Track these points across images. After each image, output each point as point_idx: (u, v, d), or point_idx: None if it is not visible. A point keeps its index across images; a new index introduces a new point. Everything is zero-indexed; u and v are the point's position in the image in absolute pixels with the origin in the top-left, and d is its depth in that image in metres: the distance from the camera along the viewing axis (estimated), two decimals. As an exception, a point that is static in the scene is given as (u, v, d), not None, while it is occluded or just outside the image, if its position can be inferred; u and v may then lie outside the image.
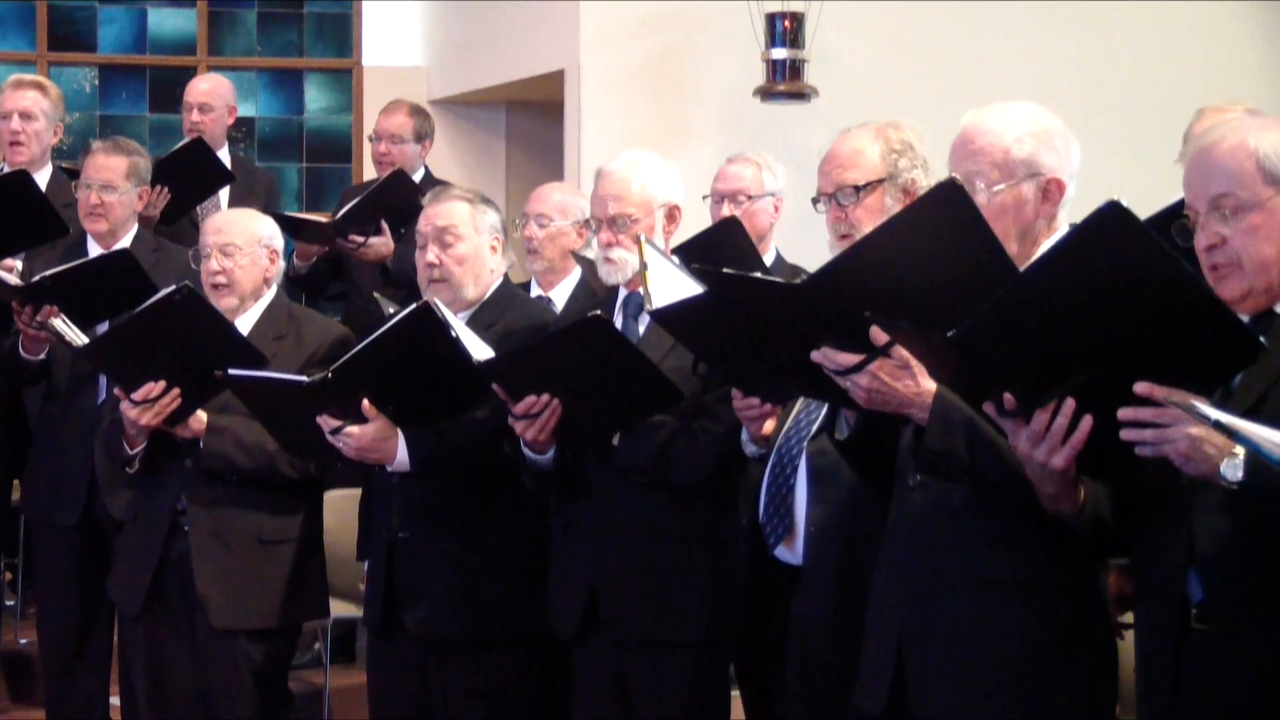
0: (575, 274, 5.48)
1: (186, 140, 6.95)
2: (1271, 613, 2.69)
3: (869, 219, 3.69)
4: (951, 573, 3.19)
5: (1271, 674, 2.69)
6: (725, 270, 3.26)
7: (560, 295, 5.52)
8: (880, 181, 3.75)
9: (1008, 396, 2.74)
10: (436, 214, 4.59)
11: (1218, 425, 2.47)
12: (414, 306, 4.21)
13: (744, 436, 4.02)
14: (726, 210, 5.52)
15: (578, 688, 4.41)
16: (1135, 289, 2.56)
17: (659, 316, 3.76)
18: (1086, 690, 3.19)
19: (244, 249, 4.92)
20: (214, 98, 7.45)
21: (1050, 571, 3.16)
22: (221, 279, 4.88)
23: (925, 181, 3.75)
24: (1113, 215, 2.53)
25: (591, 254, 5.03)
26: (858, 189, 3.74)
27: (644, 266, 3.99)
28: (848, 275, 2.98)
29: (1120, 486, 2.94)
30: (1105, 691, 3.24)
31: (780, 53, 8.24)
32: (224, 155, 7.27)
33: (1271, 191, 2.78)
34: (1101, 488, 2.95)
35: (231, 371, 4.38)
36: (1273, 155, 2.78)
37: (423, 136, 7.21)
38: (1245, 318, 2.82)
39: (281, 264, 5.08)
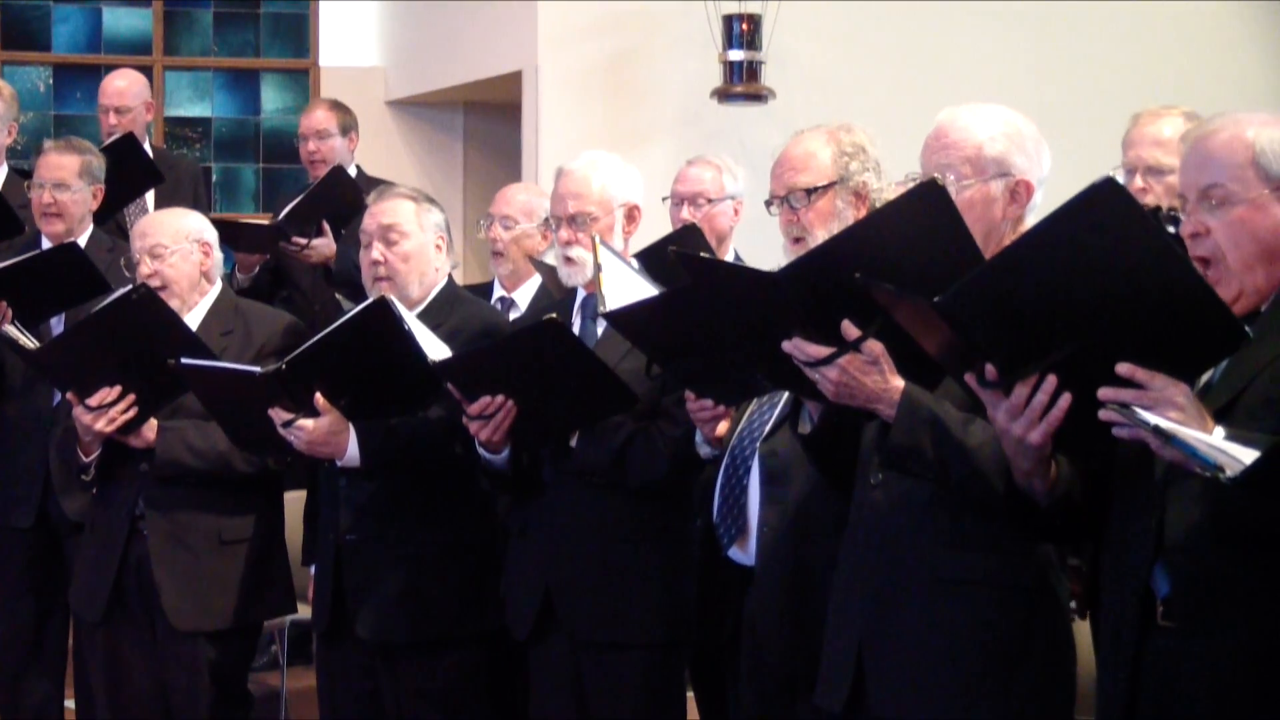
0: (539, 275, 5.47)
1: (116, 137, 6.85)
2: (1237, 611, 2.69)
3: (820, 222, 3.71)
4: (911, 571, 3.21)
5: (1233, 674, 2.69)
6: (705, 256, 3.26)
7: (524, 297, 5.51)
8: (831, 185, 3.75)
9: (989, 367, 2.74)
10: (381, 212, 4.58)
11: (1156, 430, 2.47)
12: (370, 301, 4.21)
13: (697, 438, 4.03)
14: (686, 212, 5.52)
15: (534, 688, 4.41)
16: (1124, 266, 2.55)
17: (612, 318, 3.76)
18: (1044, 690, 3.20)
19: (172, 247, 4.86)
20: (130, 97, 7.30)
21: (1010, 571, 3.17)
22: (155, 282, 4.81)
23: (877, 184, 3.77)
24: (1107, 190, 2.53)
25: (551, 258, 5.03)
26: (809, 192, 3.75)
27: (598, 269, 3.99)
28: (824, 267, 3.00)
29: (1094, 469, 2.94)
30: (1063, 691, 3.26)
31: (737, 54, 8.26)
32: (146, 151, 7.17)
33: (1263, 188, 2.76)
34: (1075, 469, 2.95)
35: (184, 360, 4.35)
36: (1269, 152, 2.76)
37: (347, 129, 7.14)
38: None
39: (218, 255, 5.02)
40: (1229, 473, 2.37)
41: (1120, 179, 4.68)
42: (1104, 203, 2.54)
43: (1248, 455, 2.37)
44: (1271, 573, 2.66)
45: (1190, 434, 2.46)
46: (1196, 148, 2.84)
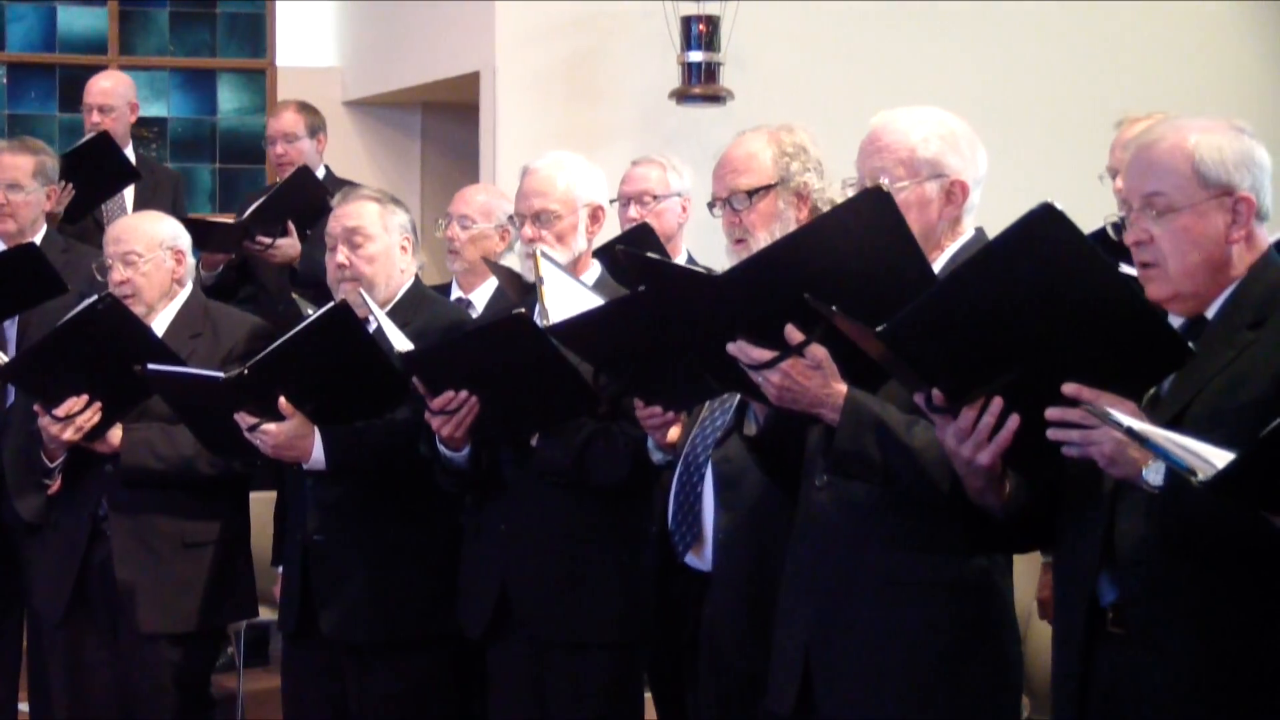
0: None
1: (91, 135, 6.85)
2: (1186, 621, 2.70)
3: (762, 224, 3.72)
4: (857, 572, 3.23)
5: (1180, 683, 2.71)
6: (650, 256, 3.27)
7: (481, 297, 5.51)
8: (772, 186, 3.76)
9: (936, 392, 2.75)
10: (346, 214, 4.58)
11: (1130, 432, 2.48)
12: (330, 305, 4.22)
13: (650, 444, 4.03)
14: (633, 211, 5.54)
15: (492, 689, 4.42)
16: (1065, 291, 2.57)
17: (555, 332, 3.76)
18: (990, 688, 3.23)
19: (145, 255, 4.86)
20: (114, 97, 7.28)
21: (955, 570, 3.20)
22: (127, 289, 4.82)
23: (819, 185, 3.77)
24: (1045, 216, 2.54)
25: (510, 260, 5.03)
26: (750, 194, 3.75)
27: (540, 281, 3.99)
28: (768, 272, 3.00)
29: (1044, 481, 2.95)
30: (1009, 690, 3.29)
31: (696, 56, 8.25)
32: (129, 154, 7.17)
33: (1204, 194, 2.78)
34: (1026, 481, 2.96)
35: (150, 366, 4.35)
36: (1208, 159, 2.78)
37: (316, 131, 7.14)
38: (1177, 321, 2.84)
39: (191, 261, 5.02)
40: (1200, 476, 2.37)
41: (1107, 181, 4.74)
42: (1042, 229, 2.55)
43: (1220, 458, 2.37)
44: (1219, 583, 2.68)
45: (1162, 434, 2.47)
46: (1139, 156, 2.86)
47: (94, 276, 5.20)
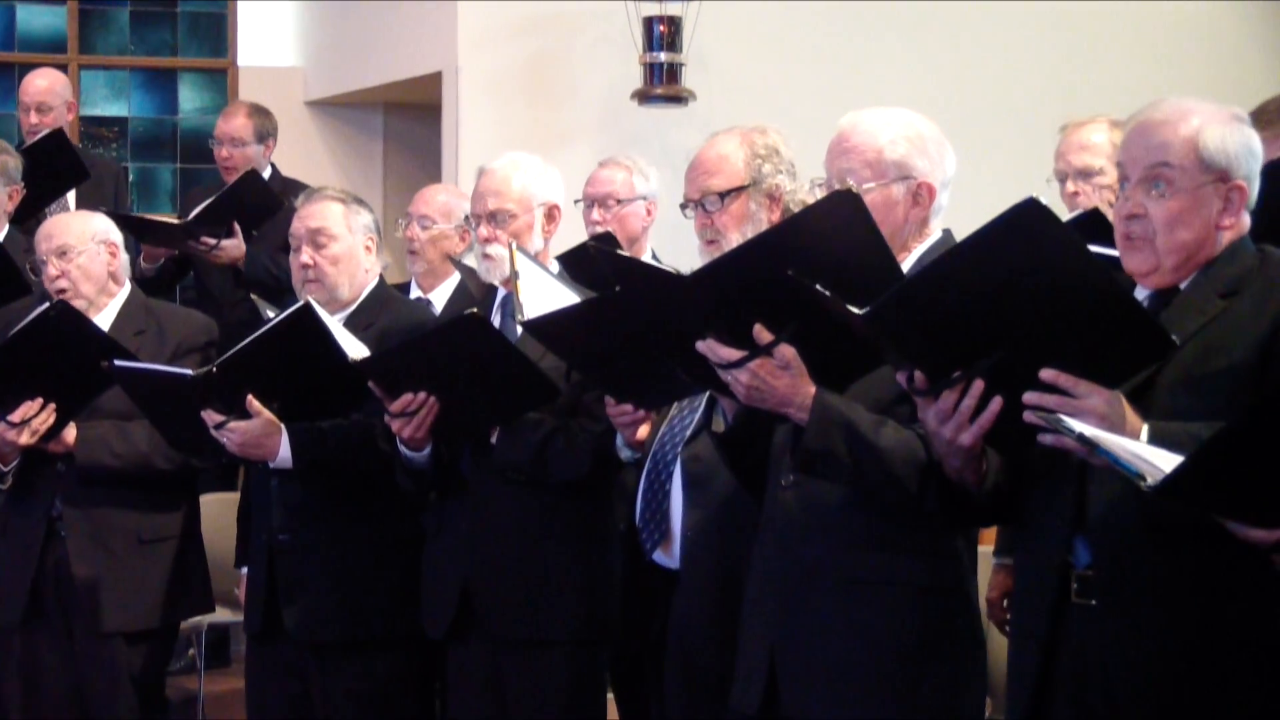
0: (455, 276, 5.47)
1: (45, 133, 6.79)
2: (1154, 588, 2.72)
3: (734, 225, 3.74)
4: (822, 572, 3.24)
5: (1152, 653, 2.73)
6: (622, 254, 3.28)
7: (440, 297, 5.51)
8: (744, 187, 3.78)
9: (918, 374, 2.77)
10: (310, 215, 4.58)
11: (1081, 439, 2.50)
12: (296, 306, 4.23)
13: (618, 441, 4.04)
14: (597, 214, 5.55)
15: (452, 687, 4.42)
16: (1050, 282, 2.58)
17: (530, 327, 3.77)
18: (955, 690, 3.24)
19: (78, 247, 4.84)
20: (51, 96, 7.22)
21: (920, 571, 3.21)
22: (63, 283, 4.80)
23: (791, 187, 3.79)
24: (1031, 211, 2.56)
25: (471, 260, 5.03)
26: (722, 195, 3.77)
27: (515, 275, 4.00)
28: (738, 271, 3.01)
29: (1023, 458, 2.96)
30: (974, 691, 3.30)
31: (658, 56, 8.27)
32: None
33: (1204, 178, 2.81)
34: (1003, 458, 2.98)
35: (117, 363, 4.35)
36: (1212, 146, 2.81)
37: (265, 137, 7.09)
38: (1148, 291, 2.87)
39: (124, 257, 5.00)
40: (1150, 481, 2.39)
41: (1054, 185, 4.75)
42: (1028, 222, 2.57)
43: (1168, 463, 2.40)
44: (1192, 552, 2.69)
45: (1113, 441, 2.49)
46: (1143, 129, 2.88)
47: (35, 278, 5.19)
